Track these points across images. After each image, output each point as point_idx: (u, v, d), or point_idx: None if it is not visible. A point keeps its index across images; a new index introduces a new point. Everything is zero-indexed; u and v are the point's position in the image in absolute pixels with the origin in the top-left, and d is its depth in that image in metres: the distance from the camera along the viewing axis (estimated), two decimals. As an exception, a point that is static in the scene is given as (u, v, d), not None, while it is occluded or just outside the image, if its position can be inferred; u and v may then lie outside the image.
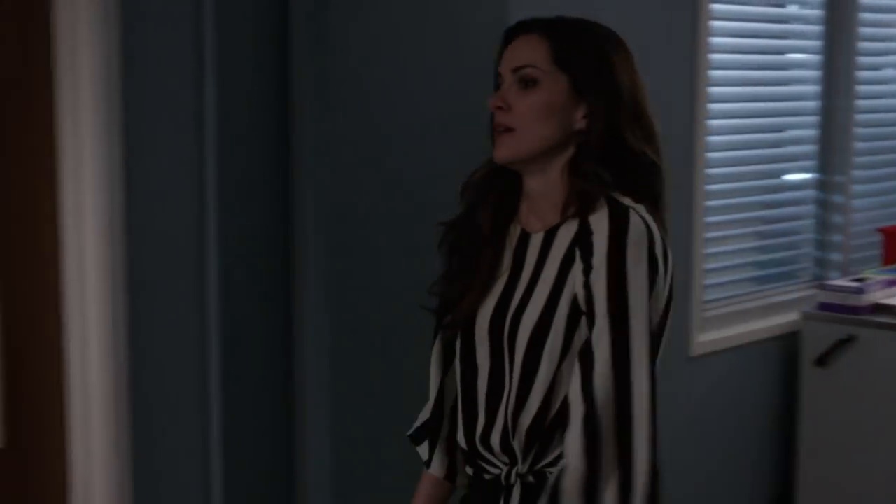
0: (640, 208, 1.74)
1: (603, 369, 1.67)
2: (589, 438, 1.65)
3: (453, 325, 1.87)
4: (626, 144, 1.77)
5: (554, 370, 1.73)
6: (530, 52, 1.79)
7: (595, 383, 1.67)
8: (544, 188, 1.82)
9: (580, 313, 1.72)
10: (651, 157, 1.79)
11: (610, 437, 1.65)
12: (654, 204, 1.79)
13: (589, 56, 1.78)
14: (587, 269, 1.70)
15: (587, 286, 1.70)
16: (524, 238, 1.83)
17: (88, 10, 2.60)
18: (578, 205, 1.75)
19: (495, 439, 1.79)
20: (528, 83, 1.78)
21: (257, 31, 2.92)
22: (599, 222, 1.71)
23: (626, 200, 1.75)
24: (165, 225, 2.79)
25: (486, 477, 1.83)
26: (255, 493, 3.02)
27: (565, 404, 1.71)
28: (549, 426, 1.74)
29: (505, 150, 1.80)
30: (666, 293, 1.74)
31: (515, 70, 1.79)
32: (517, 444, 1.77)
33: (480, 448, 1.82)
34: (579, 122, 1.78)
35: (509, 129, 1.79)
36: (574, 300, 1.72)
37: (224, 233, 2.85)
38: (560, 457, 1.71)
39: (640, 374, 1.66)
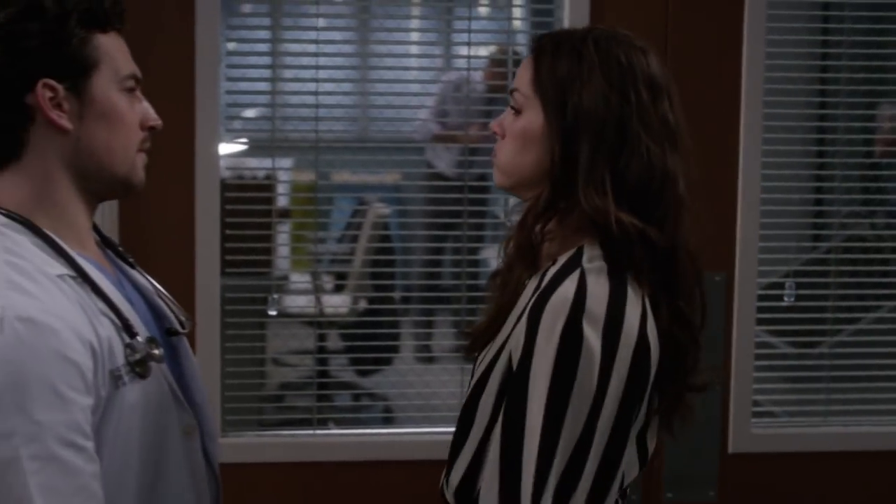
0: (595, 272, 1.47)
1: (492, 457, 1.46)
2: None
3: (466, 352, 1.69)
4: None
5: (482, 432, 1.50)
6: (521, 74, 1.59)
7: (484, 474, 1.47)
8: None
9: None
10: (628, 224, 1.48)
11: None
12: (644, 273, 1.50)
13: (559, 80, 1.53)
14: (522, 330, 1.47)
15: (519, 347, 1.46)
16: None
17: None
18: (541, 254, 1.56)
19: (443, 490, 1.61)
20: (515, 110, 1.59)
21: None
22: (545, 279, 1.49)
23: (590, 257, 1.50)
24: None
25: None
26: None
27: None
28: (478, 496, 1.50)
29: (495, 177, 1.63)
30: (612, 381, 1.43)
31: (511, 93, 1.61)
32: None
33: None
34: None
35: (496, 156, 1.63)
36: (510, 360, 1.48)
37: None
38: None
39: (527, 479, 1.40)
